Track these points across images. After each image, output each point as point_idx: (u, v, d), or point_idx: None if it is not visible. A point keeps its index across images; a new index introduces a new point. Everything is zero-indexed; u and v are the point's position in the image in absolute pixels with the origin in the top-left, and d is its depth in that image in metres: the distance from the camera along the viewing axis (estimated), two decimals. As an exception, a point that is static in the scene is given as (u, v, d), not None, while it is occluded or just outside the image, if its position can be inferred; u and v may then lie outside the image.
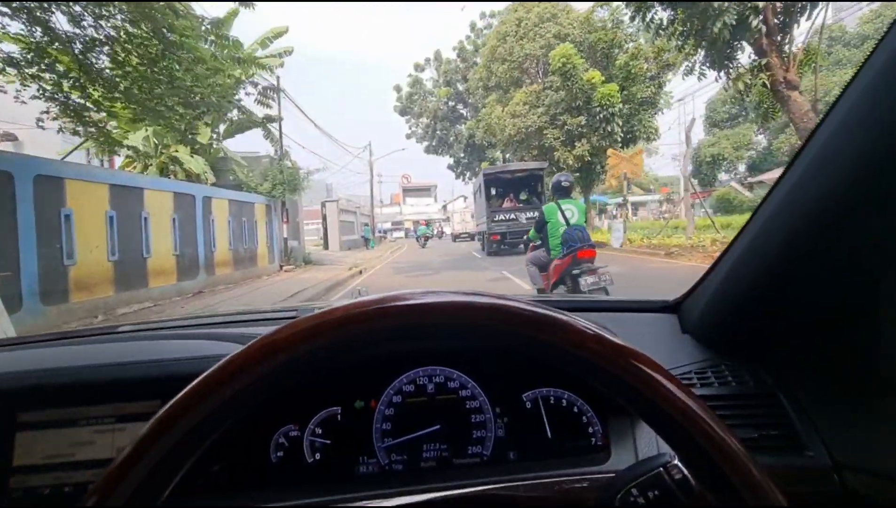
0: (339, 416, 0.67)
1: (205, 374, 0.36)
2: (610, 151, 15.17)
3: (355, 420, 0.67)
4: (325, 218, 22.85)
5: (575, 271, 3.82)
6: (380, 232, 49.16)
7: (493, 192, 15.97)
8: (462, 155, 35.40)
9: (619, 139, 17.13)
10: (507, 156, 32.08)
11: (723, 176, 38.25)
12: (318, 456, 0.66)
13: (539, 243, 4.50)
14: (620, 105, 16.54)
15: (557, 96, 17.60)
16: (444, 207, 74.43)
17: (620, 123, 16.95)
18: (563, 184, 4.33)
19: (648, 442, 0.67)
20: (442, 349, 0.70)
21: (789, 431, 0.66)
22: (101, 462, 0.62)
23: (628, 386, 0.36)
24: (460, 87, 32.67)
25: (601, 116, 16.44)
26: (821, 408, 0.67)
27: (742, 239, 0.68)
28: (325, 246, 22.82)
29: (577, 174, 18.48)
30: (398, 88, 33.64)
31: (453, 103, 34.49)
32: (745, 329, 0.74)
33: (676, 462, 0.45)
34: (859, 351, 0.61)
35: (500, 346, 0.38)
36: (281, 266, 14.33)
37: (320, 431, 0.66)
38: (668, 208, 47.11)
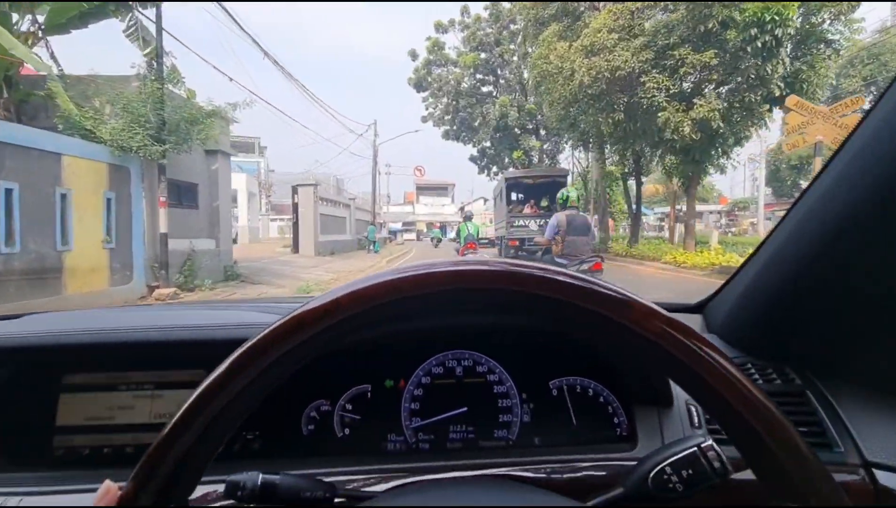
0: (368, 394, 0.68)
1: (253, 339, 0.36)
2: (793, 100, 7.94)
3: (384, 399, 0.68)
4: (295, 209, 15.87)
5: None
6: (389, 233, 42.28)
7: (515, 197, 15.47)
8: (489, 144, 28.45)
9: (777, 90, 9.88)
10: (548, 145, 25.17)
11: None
12: (347, 431, 0.67)
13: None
14: (793, 28, 9.29)
15: (671, 17, 10.46)
16: (462, 208, 67.88)
17: (786, 63, 9.70)
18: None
19: (675, 433, 0.66)
20: (470, 333, 0.70)
21: (818, 429, 0.66)
22: (138, 427, 0.65)
23: (691, 371, 0.35)
24: (491, 53, 25.67)
25: (760, 42, 9.17)
26: (850, 407, 0.67)
27: (771, 242, 0.71)
28: (295, 249, 15.86)
29: (688, 157, 11.25)
30: (413, 55, 26.71)
31: (481, 76, 27.51)
32: (773, 329, 0.75)
33: (712, 443, 0.46)
34: (886, 352, 0.64)
35: (558, 321, 0.39)
36: (151, 287, 7.40)
37: (350, 407, 0.68)
38: (732, 221, 39.52)
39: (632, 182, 17.95)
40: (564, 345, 0.71)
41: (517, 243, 13.63)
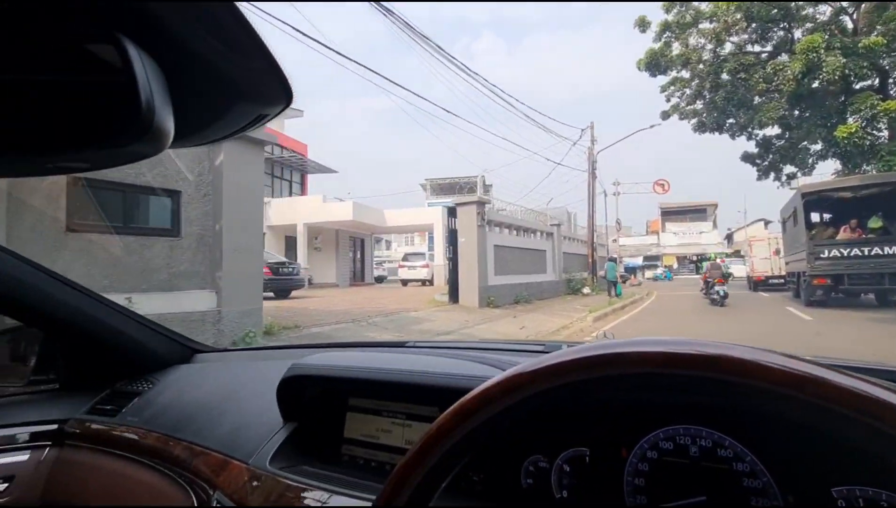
0: (587, 457, 0.64)
1: (474, 392, 0.42)
2: None
3: (604, 466, 0.63)
4: (452, 239, 11.18)
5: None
6: (626, 271, 33.92)
7: (818, 218, 12.28)
8: (777, 130, 18.33)
9: None
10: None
11: None
12: (565, 493, 0.64)
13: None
14: None
15: None
16: (730, 236, 51.97)
17: None
18: None
19: None
20: (710, 407, 0.59)
21: None
22: (395, 449, 0.76)
23: None
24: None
25: None
26: None
27: None
28: (453, 297, 11.08)
29: None
30: (642, 23, 19.35)
31: (754, 34, 17.93)
32: None
33: None
34: None
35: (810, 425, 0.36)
36: None
37: (568, 469, 0.65)
38: None
39: None
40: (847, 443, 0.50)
41: (827, 280, 10.48)
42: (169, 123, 0.33)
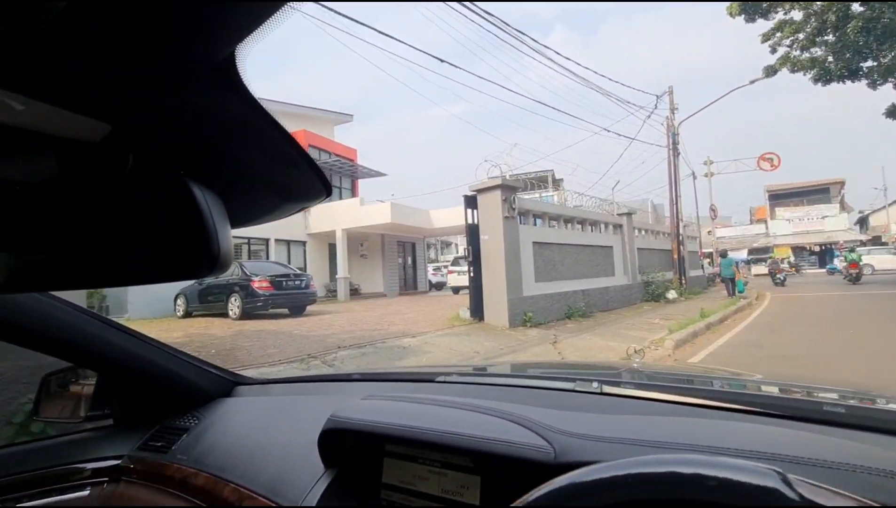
0: None
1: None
2: None
3: None
4: (473, 234, 8.61)
5: None
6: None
7: None
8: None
9: None
10: None
11: None
12: None
13: None
14: None
15: None
16: (863, 220, 42.52)
17: None
18: None
19: None
20: None
21: None
22: (429, 497, 0.76)
23: None
24: None
25: None
26: None
27: None
28: (477, 314, 8.51)
29: None
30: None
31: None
32: None
33: None
34: None
35: None
36: None
37: None
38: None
39: None
40: None
41: None
42: (230, 247, 0.37)
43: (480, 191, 8.50)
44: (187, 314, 11.97)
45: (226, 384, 1.33)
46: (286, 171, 0.40)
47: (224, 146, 0.37)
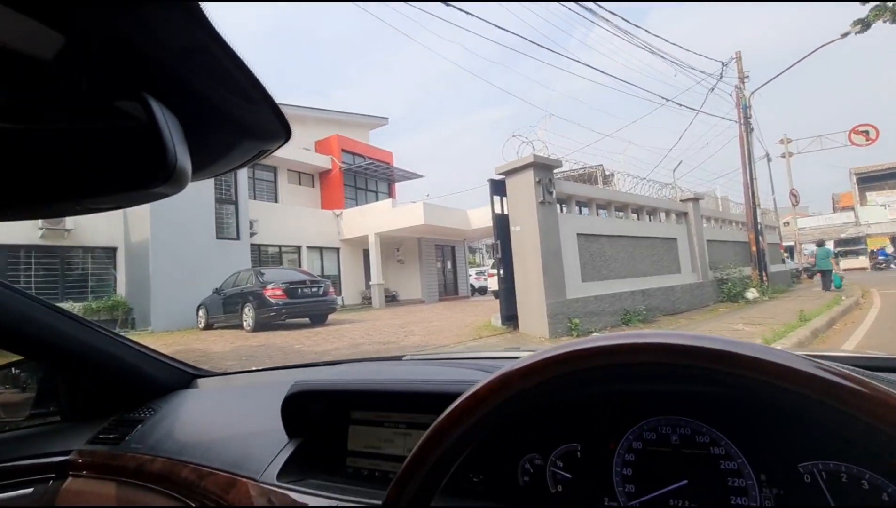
0: (578, 452, 0.68)
1: (463, 396, 0.46)
2: None
3: (594, 459, 0.68)
4: (501, 226, 7.15)
5: None
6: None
7: None
8: None
9: None
10: None
11: None
12: (559, 488, 0.68)
13: None
14: None
15: None
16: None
17: None
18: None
19: None
20: (687, 397, 0.64)
21: None
22: (397, 458, 0.77)
23: None
24: None
25: None
26: None
27: None
28: (508, 321, 7.04)
29: None
30: None
31: None
32: None
33: None
34: None
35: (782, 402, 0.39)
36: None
37: (561, 464, 0.69)
38: None
39: None
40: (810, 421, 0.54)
41: None
42: (188, 166, 0.38)
43: (509, 173, 7.01)
44: (208, 326, 11.36)
45: (185, 376, 1.31)
46: (245, 105, 0.41)
47: (181, 73, 0.37)
